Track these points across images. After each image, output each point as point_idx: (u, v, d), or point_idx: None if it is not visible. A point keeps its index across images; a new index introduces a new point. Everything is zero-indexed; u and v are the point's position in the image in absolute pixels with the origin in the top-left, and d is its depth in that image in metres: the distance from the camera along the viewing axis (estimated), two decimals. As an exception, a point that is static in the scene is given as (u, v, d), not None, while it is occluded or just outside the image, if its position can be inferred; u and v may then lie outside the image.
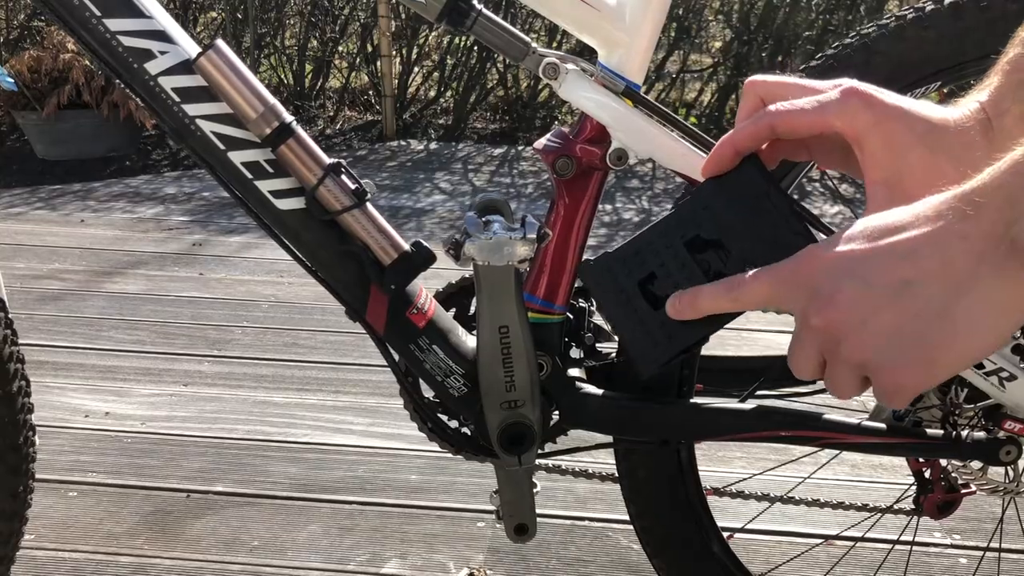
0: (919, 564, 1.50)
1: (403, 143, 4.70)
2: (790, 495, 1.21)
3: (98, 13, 0.85)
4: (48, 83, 4.08)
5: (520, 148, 4.60)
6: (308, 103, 5.26)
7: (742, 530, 1.47)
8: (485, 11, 0.91)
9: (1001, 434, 1.00)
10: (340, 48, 5.50)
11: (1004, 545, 1.47)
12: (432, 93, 5.31)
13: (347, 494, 1.66)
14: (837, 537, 1.53)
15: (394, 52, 4.98)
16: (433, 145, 4.67)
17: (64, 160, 4.20)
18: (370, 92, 5.38)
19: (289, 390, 2.05)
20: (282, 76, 5.36)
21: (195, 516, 1.59)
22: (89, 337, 2.29)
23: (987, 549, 1.51)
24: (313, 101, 5.30)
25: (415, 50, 5.20)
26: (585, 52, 1.00)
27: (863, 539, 1.49)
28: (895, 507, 1.19)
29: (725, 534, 1.15)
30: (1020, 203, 0.48)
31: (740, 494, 1.22)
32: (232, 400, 2.00)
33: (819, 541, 1.54)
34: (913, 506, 1.16)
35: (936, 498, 1.14)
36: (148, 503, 1.63)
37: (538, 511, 1.05)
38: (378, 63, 5.02)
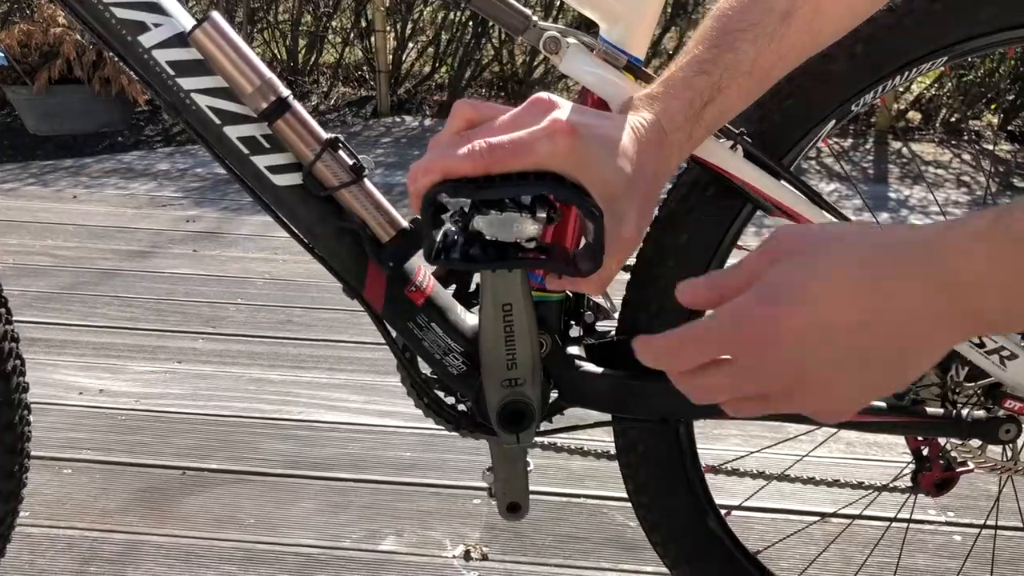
0: (914, 542, 1.50)
1: (398, 119, 4.67)
2: (786, 473, 1.21)
3: (89, -17, 0.84)
4: (39, 58, 4.04)
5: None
6: (302, 78, 5.22)
7: (739, 507, 1.47)
8: (485, -17, 0.89)
9: (1001, 413, 1.00)
10: (334, 23, 5.46)
11: (1000, 523, 1.48)
12: (427, 68, 5.27)
13: (340, 471, 1.66)
14: (833, 515, 1.53)
15: (388, 27, 4.94)
16: (428, 121, 4.65)
17: (56, 135, 4.17)
18: (364, 67, 5.34)
19: (284, 367, 2.04)
20: (275, 51, 5.32)
21: (189, 493, 1.59)
22: (83, 314, 2.28)
23: (983, 527, 1.51)
24: (307, 76, 5.26)
25: (410, 25, 5.16)
26: (585, 25, 0.98)
27: (860, 516, 1.49)
28: (892, 485, 1.19)
29: (722, 511, 1.15)
30: (987, 288, 0.50)
31: (736, 472, 1.22)
32: (226, 377, 1.99)
33: (815, 519, 1.54)
34: (911, 484, 1.16)
35: (934, 476, 1.14)
36: (142, 480, 1.62)
37: (533, 488, 1.04)
38: (372, 38, 4.98)
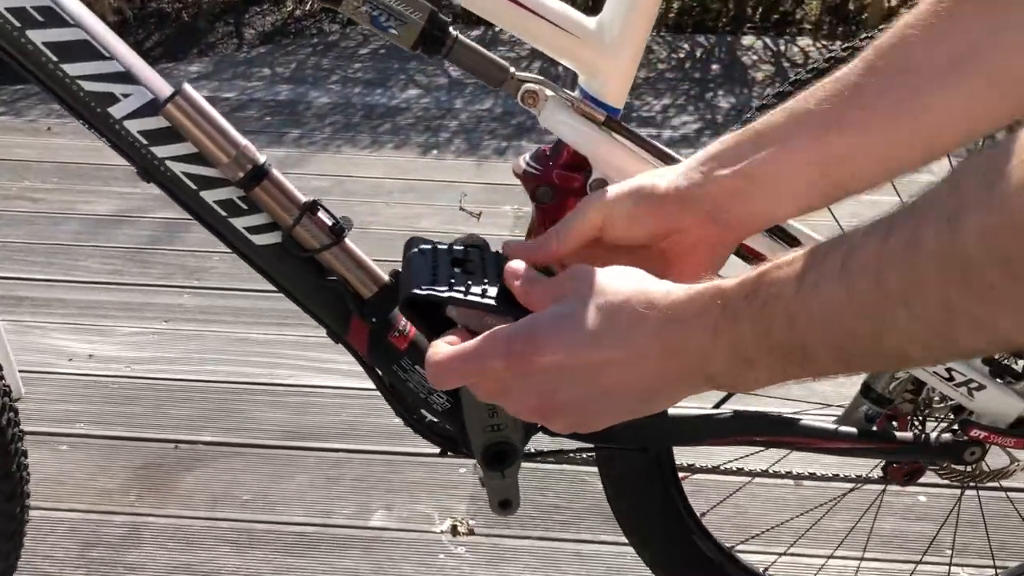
0: (880, 504, 1.56)
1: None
2: (764, 469, 1.26)
3: (55, 58, 0.82)
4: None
5: (497, 30, 4.46)
6: (274, -22, 5.05)
7: (721, 501, 1.52)
8: (462, 37, 0.88)
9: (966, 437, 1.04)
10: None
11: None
12: (403, -34, 5.10)
13: (333, 441, 1.70)
14: (807, 477, 1.59)
15: (362, -76, 4.76)
16: (405, 26, 4.52)
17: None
18: (338, -35, 5.16)
19: (268, 325, 2.04)
20: (245, -51, 5.13)
21: (185, 468, 1.63)
22: (66, 268, 2.26)
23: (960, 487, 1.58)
24: (279, -24, 5.09)
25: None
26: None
27: (832, 478, 1.55)
28: (865, 476, 1.24)
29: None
30: (714, 347, 0.55)
31: (715, 469, 1.26)
32: (213, 338, 2.00)
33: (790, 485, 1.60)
34: (881, 475, 1.21)
35: (903, 468, 1.19)
36: (138, 455, 1.66)
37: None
38: (345, -64, 4.80)
